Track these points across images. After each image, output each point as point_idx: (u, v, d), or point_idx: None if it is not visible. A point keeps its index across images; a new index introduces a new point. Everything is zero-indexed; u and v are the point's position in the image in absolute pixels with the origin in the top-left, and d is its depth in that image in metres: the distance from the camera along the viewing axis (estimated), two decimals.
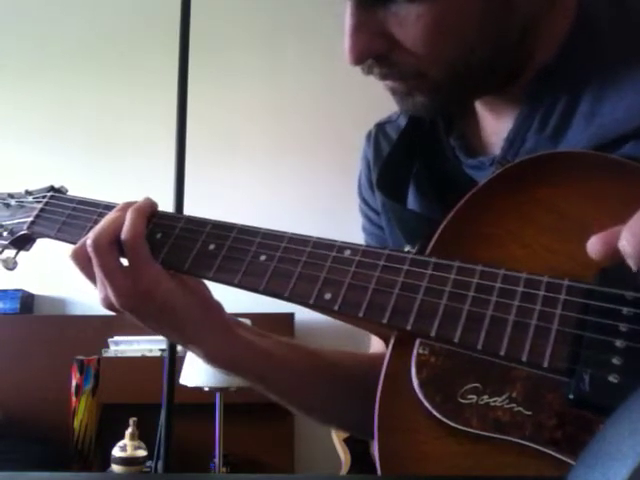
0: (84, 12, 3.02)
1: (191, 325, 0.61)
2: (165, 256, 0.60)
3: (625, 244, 0.37)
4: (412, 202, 0.72)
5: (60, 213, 0.69)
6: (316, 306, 0.52)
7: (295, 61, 2.94)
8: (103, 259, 0.59)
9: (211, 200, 2.49)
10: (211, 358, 0.63)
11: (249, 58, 2.96)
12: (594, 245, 0.40)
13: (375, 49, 0.57)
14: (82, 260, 0.61)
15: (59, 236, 0.67)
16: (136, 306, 0.60)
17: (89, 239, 0.60)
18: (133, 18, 3.01)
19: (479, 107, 0.69)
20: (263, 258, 0.56)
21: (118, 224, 0.60)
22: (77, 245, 0.62)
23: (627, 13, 0.60)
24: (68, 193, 0.73)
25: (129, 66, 2.98)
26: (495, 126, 0.67)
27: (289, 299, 0.53)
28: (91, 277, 0.61)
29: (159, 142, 2.33)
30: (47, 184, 0.73)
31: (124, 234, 0.60)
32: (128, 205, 0.63)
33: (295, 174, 2.88)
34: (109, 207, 0.67)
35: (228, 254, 0.57)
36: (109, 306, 0.60)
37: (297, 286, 0.53)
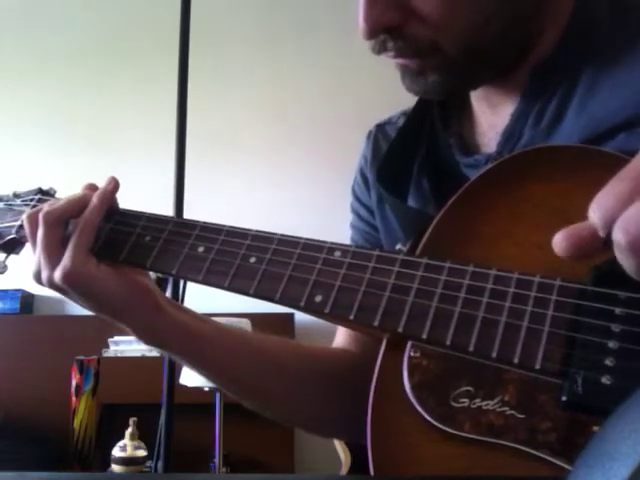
0: (85, 12, 3.02)
1: (116, 306, 0.63)
2: (154, 260, 0.60)
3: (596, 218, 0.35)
4: (411, 200, 0.72)
5: None
6: (307, 309, 0.51)
7: (295, 62, 2.93)
8: (49, 230, 0.61)
9: (211, 201, 2.48)
10: (137, 335, 0.65)
11: (249, 58, 2.95)
12: (560, 243, 0.37)
13: (390, 20, 0.56)
14: (32, 225, 0.62)
15: None
16: (58, 287, 0.62)
17: (45, 207, 0.62)
18: (133, 18, 3.00)
19: (476, 102, 0.69)
20: (253, 260, 0.55)
21: (81, 205, 0.62)
22: (33, 210, 0.64)
23: (624, 7, 0.60)
24: (56, 195, 0.72)
25: (129, 66, 2.98)
26: (492, 121, 0.67)
27: (280, 302, 0.53)
28: (34, 244, 0.63)
29: (159, 143, 2.32)
30: (36, 186, 0.72)
31: (84, 217, 0.62)
32: (94, 187, 0.65)
33: (295, 175, 2.87)
34: None
35: (217, 257, 0.57)
36: (37, 280, 0.63)
37: (287, 289, 0.53)
